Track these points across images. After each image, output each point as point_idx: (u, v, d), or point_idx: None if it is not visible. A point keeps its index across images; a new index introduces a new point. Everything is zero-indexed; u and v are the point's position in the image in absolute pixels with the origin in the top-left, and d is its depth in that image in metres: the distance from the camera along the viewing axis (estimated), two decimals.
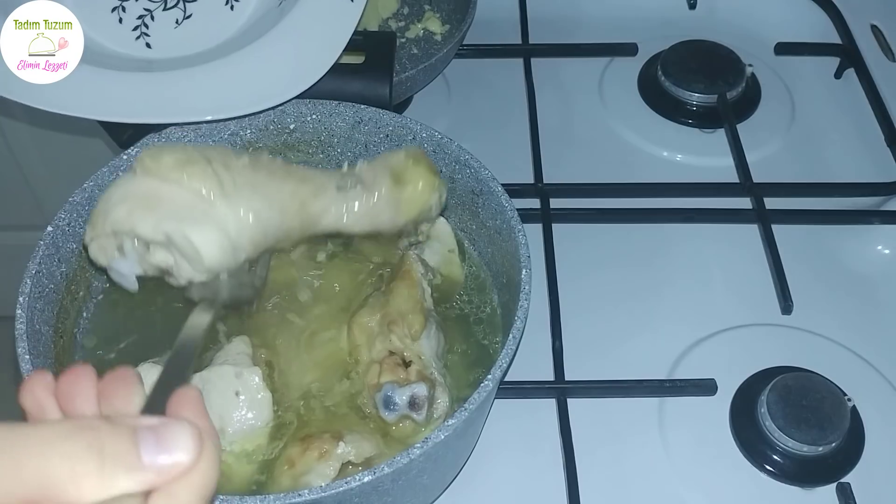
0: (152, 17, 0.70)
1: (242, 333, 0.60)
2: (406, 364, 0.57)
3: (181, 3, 0.71)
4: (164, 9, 0.71)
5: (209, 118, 0.64)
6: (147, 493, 0.31)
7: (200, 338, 0.46)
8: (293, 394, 0.59)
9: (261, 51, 0.66)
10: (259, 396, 0.56)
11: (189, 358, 0.43)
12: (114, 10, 0.71)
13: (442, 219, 0.66)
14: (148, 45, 0.69)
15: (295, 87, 0.64)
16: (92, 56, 0.65)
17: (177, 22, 0.70)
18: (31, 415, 0.34)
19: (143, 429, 0.31)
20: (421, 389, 0.56)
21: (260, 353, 0.59)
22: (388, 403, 0.56)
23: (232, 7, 0.71)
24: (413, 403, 0.56)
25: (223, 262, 0.51)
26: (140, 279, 0.54)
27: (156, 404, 0.35)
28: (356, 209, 0.56)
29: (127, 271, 0.53)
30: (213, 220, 0.51)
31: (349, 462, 0.54)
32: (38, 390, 0.34)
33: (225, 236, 0.51)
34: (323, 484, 0.50)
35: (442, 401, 0.57)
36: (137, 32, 0.70)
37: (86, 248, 0.55)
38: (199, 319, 0.47)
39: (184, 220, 0.51)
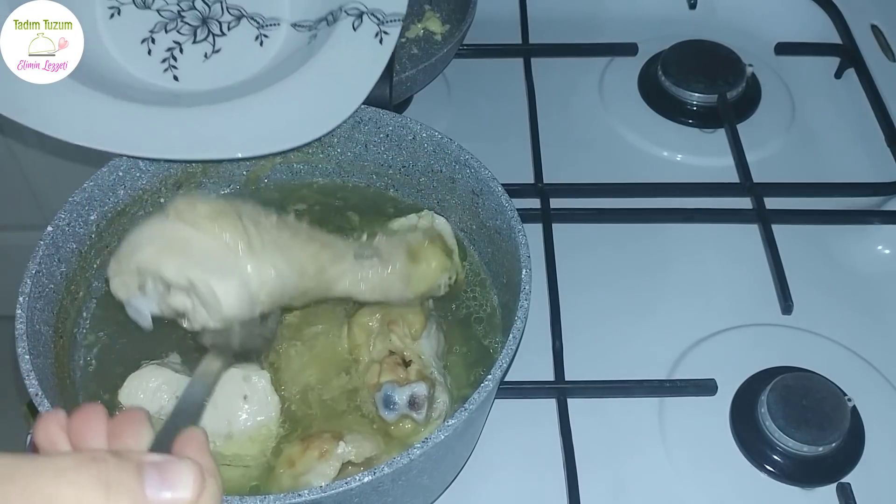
0: (181, 50, 0.69)
1: None
2: (406, 364, 0.57)
3: (210, 36, 0.70)
4: (194, 42, 0.70)
5: (237, 156, 0.64)
6: None
7: (211, 385, 0.48)
8: (296, 394, 0.59)
9: (288, 90, 0.65)
10: (267, 400, 0.56)
11: (199, 402, 0.45)
12: (143, 41, 0.70)
13: (442, 219, 0.66)
14: (175, 78, 0.69)
15: (320, 128, 0.64)
16: (119, 87, 0.65)
17: (205, 56, 0.70)
18: (44, 451, 0.35)
19: (148, 465, 0.33)
20: (421, 389, 0.56)
21: (266, 354, 0.59)
22: (388, 403, 0.56)
23: (261, 43, 0.70)
24: (413, 403, 0.56)
25: (241, 313, 0.53)
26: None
27: (163, 443, 0.36)
28: (370, 278, 0.58)
29: (144, 309, 0.54)
30: (238, 272, 0.52)
31: (349, 462, 0.54)
32: (50, 427, 0.35)
33: (246, 290, 0.52)
34: (323, 484, 0.50)
35: (442, 400, 0.57)
36: (166, 65, 0.69)
37: (107, 282, 0.57)
38: (211, 366, 0.49)
39: (209, 269, 0.52)
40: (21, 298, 0.56)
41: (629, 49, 0.94)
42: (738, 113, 0.87)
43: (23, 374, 0.52)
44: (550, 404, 0.66)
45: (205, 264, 0.52)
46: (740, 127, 0.85)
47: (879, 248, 0.78)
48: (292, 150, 0.65)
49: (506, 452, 0.65)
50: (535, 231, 0.73)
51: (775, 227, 0.76)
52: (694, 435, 0.66)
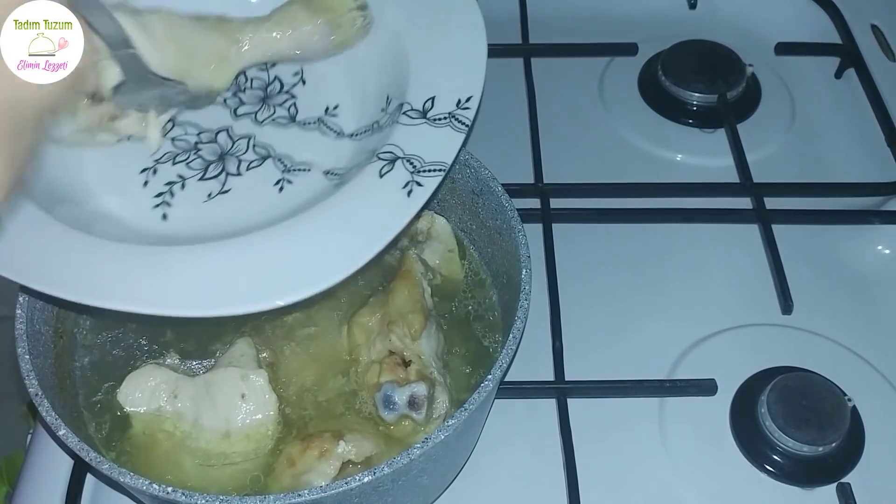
0: (183, 186, 0.59)
1: (245, 335, 0.60)
2: (406, 364, 0.57)
3: (223, 175, 0.59)
4: (201, 178, 0.59)
5: (228, 312, 0.50)
6: None
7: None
8: (294, 394, 0.59)
9: (287, 235, 0.53)
10: (265, 398, 0.56)
11: None
12: (144, 171, 0.60)
13: (442, 218, 0.66)
14: (164, 217, 0.58)
15: (326, 279, 0.51)
16: (92, 219, 0.56)
17: (209, 196, 0.59)
18: None
19: None
20: (420, 389, 0.56)
21: (263, 354, 0.59)
22: (388, 403, 0.56)
23: (281, 188, 0.59)
24: (412, 403, 0.56)
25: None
26: None
27: None
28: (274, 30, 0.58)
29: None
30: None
31: (349, 461, 0.54)
32: None
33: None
34: (323, 483, 0.50)
35: (441, 400, 0.57)
36: (159, 200, 0.58)
37: None
38: None
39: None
40: (21, 298, 0.56)
41: (629, 49, 0.94)
42: (738, 113, 0.87)
43: (23, 374, 0.53)
44: (550, 404, 0.66)
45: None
46: (740, 127, 0.85)
47: (879, 248, 0.78)
48: (270, 310, 0.51)
49: (506, 452, 0.65)
50: (535, 231, 0.73)
51: (775, 227, 0.76)
52: (694, 435, 0.66)
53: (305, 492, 0.47)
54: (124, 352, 0.61)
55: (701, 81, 0.88)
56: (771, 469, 0.63)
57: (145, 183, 0.59)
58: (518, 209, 0.60)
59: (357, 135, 0.61)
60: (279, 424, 0.57)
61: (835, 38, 0.95)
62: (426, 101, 0.57)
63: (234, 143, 0.61)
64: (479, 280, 0.65)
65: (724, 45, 0.91)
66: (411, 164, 0.54)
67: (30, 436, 0.68)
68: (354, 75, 0.64)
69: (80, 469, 0.62)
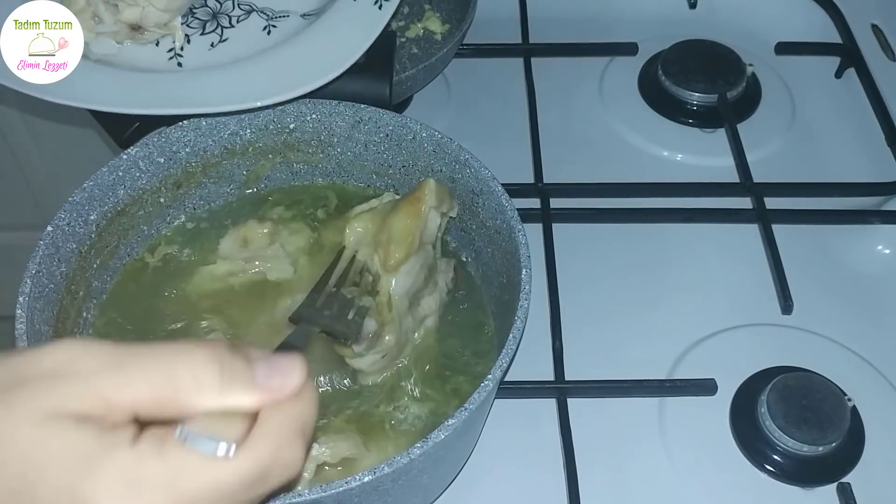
0: (188, 40, 0.71)
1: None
2: (372, 292, 0.58)
3: (219, 28, 0.72)
4: (202, 34, 0.72)
5: (230, 108, 0.64)
6: (253, 415, 0.35)
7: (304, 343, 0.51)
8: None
9: (284, 50, 0.67)
10: None
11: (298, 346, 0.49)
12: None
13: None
14: (179, 65, 0.70)
15: (315, 80, 0.65)
16: (121, 64, 0.68)
17: (211, 45, 0.71)
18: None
19: (256, 357, 0.36)
20: (370, 326, 0.57)
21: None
22: None
23: (269, 32, 0.72)
24: None
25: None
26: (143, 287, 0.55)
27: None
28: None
29: (106, 42, 0.68)
30: None
31: (325, 463, 0.54)
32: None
33: None
34: (299, 486, 0.50)
35: (389, 339, 0.58)
36: (171, 53, 0.70)
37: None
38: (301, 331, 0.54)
39: None
40: (21, 298, 0.56)
41: (629, 49, 0.94)
42: (738, 113, 0.87)
43: None
44: (550, 404, 0.66)
45: None
46: (740, 127, 0.85)
47: (879, 248, 0.78)
48: (284, 102, 0.65)
49: (506, 452, 0.65)
50: (535, 231, 0.73)
51: (775, 227, 0.76)
52: (694, 435, 0.66)
53: (305, 492, 0.47)
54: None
55: (701, 81, 0.88)
56: (771, 469, 0.63)
57: (157, 43, 0.71)
58: (518, 209, 0.60)
59: None
60: None
61: (835, 37, 0.95)
62: None
63: (221, 3, 0.74)
64: (478, 280, 0.65)
65: (724, 45, 0.91)
66: None
67: None
68: None
69: None
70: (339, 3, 0.70)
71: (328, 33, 0.68)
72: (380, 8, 0.69)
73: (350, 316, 0.57)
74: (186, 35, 0.71)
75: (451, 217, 0.65)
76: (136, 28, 0.69)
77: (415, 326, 0.61)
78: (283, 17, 0.73)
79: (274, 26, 0.72)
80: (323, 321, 0.56)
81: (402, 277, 0.59)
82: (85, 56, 0.64)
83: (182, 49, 0.71)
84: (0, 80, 0.61)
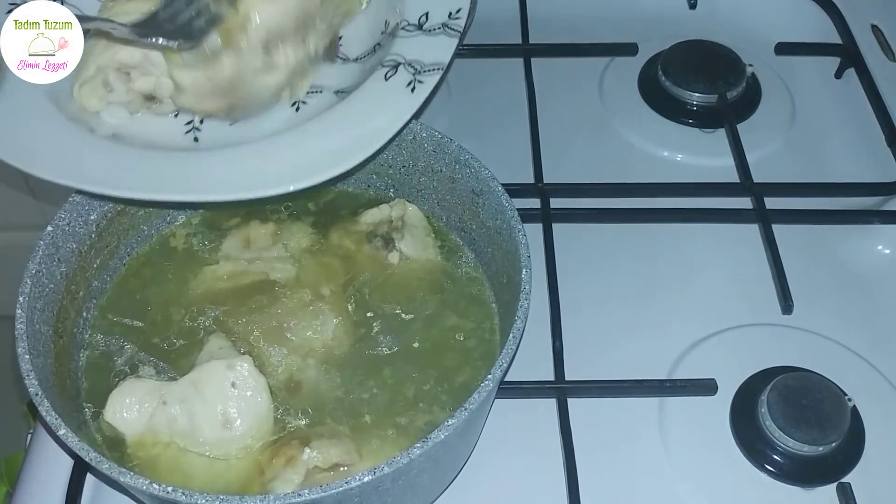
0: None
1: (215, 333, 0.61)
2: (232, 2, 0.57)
3: None
4: None
5: (250, 195, 0.57)
6: None
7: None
8: (280, 382, 0.59)
9: (307, 132, 0.61)
10: (254, 382, 0.56)
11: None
12: None
13: (413, 205, 0.67)
14: (196, 140, 0.64)
15: (342, 164, 0.57)
16: (132, 137, 0.63)
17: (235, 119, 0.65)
18: None
19: None
20: (212, 40, 0.56)
21: (239, 346, 0.59)
22: None
23: (297, 108, 0.65)
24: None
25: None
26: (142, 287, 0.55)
27: None
28: None
29: (117, 112, 0.62)
30: None
31: (316, 467, 0.54)
32: None
33: None
34: (290, 490, 0.50)
35: (226, 63, 0.57)
36: (189, 126, 0.64)
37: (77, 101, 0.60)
38: None
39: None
40: (21, 298, 0.56)
41: (629, 49, 0.94)
42: (738, 113, 0.87)
43: (23, 374, 0.52)
44: (550, 404, 0.66)
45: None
46: (740, 127, 0.85)
47: (879, 248, 0.78)
48: (308, 189, 0.58)
49: (506, 452, 0.65)
50: (535, 231, 0.73)
51: (775, 227, 0.76)
52: (694, 435, 0.66)
53: (305, 491, 0.47)
54: (125, 351, 0.61)
55: (701, 81, 0.88)
56: (771, 469, 0.63)
57: (176, 113, 0.65)
58: (518, 209, 0.60)
59: (361, 58, 0.67)
60: (272, 405, 0.57)
61: (835, 38, 0.95)
62: (421, 17, 0.64)
63: None
64: (478, 280, 0.65)
65: (724, 45, 0.91)
66: (412, 67, 0.62)
67: (30, 436, 0.68)
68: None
69: (80, 469, 0.62)
70: (370, 83, 0.62)
71: (354, 117, 0.61)
72: (412, 91, 0.60)
73: (196, 21, 0.54)
74: None
75: (360, 7, 0.64)
76: (150, 98, 0.63)
77: (261, 72, 0.59)
78: (316, 92, 0.66)
79: (304, 102, 0.65)
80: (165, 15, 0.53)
81: (270, 4, 0.56)
82: (93, 129, 0.61)
83: (202, 122, 0.64)
84: (4, 156, 0.58)
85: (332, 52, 0.64)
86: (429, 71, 0.61)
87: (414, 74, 0.61)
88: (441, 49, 0.61)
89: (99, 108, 0.62)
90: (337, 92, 0.65)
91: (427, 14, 0.63)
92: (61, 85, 0.61)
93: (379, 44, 0.66)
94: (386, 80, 0.61)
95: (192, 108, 0.61)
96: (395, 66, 0.62)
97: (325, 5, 0.63)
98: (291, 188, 0.56)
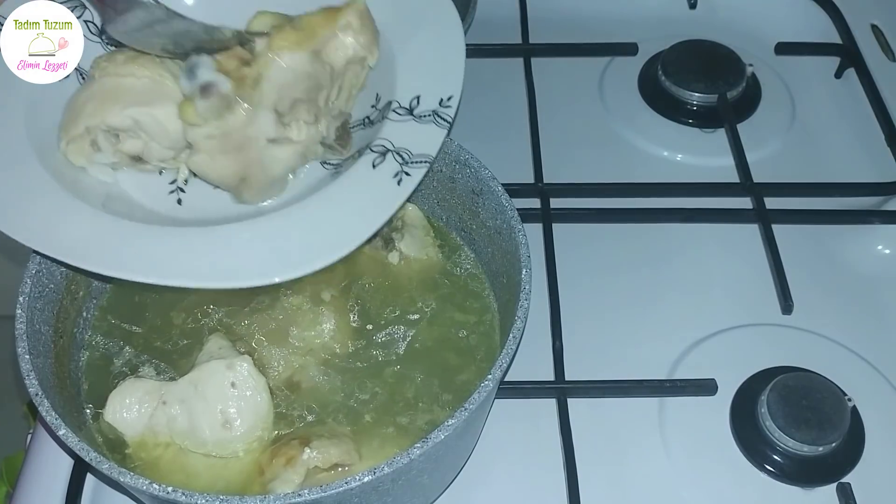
0: (196, 174, 0.63)
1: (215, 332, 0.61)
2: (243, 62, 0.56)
3: None
4: None
5: (231, 285, 0.55)
6: None
7: None
8: (280, 382, 0.59)
9: (290, 216, 0.58)
10: (254, 382, 0.56)
11: None
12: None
13: (412, 205, 0.66)
14: (179, 202, 0.62)
15: (321, 259, 0.55)
16: (113, 202, 0.61)
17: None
18: None
19: None
20: (223, 85, 0.55)
21: (239, 346, 0.59)
22: (191, 72, 0.56)
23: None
24: (206, 89, 0.55)
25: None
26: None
27: None
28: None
29: (104, 171, 0.61)
30: (171, 96, 0.58)
31: (316, 467, 0.54)
32: None
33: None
34: (290, 490, 0.50)
35: (238, 115, 0.55)
36: (173, 187, 0.63)
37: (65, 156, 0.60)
38: None
39: (145, 102, 0.58)
40: (21, 298, 0.56)
41: (629, 49, 0.94)
42: (738, 113, 0.87)
43: (23, 374, 0.53)
44: (550, 404, 0.66)
45: (140, 100, 0.58)
46: (740, 127, 0.85)
47: (879, 248, 0.78)
48: (288, 281, 0.56)
49: (506, 452, 0.65)
50: (535, 231, 0.73)
51: (775, 227, 0.76)
52: (694, 435, 0.66)
53: (305, 491, 0.47)
54: (122, 353, 0.61)
55: (701, 81, 0.88)
56: (771, 469, 0.63)
57: (161, 171, 0.63)
58: (518, 209, 0.60)
59: (352, 128, 0.65)
60: (272, 405, 0.57)
61: (835, 38, 0.95)
62: (412, 100, 0.62)
63: None
64: (478, 280, 0.65)
65: (724, 45, 0.91)
66: (400, 156, 0.60)
67: (30, 436, 0.68)
68: None
69: (80, 469, 0.62)
70: (358, 169, 0.60)
71: (339, 207, 0.58)
72: (399, 183, 0.58)
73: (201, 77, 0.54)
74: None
75: (369, 67, 0.63)
76: (137, 159, 0.61)
77: (274, 144, 0.58)
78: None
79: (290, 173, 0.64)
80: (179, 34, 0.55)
81: (283, 66, 0.56)
82: (78, 188, 0.59)
83: (186, 182, 0.63)
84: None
85: (344, 140, 0.63)
86: (416, 163, 0.59)
87: (402, 165, 0.59)
88: (430, 140, 0.60)
89: (84, 165, 0.61)
90: (324, 163, 0.64)
91: (418, 98, 0.62)
92: (47, 136, 0.60)
93: (368, 118, 0.64)
94: (374, 167, 0.59)
95: (205, 171, 0.59)
96: (384, 154, 0.60)
97: (336, 81, 0.62)
98: (260, 282, 0.54)
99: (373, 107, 0.65)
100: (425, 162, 0.59)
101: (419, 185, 0.59)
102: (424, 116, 0.61)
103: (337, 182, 0.60)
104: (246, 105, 0.57)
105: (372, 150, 0.60)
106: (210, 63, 0.56)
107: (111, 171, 0.62)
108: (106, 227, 0.56)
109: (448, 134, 0.61)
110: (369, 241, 0.57)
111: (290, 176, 0.62)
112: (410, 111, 0.61)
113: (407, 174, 0.59)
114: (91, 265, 0.54)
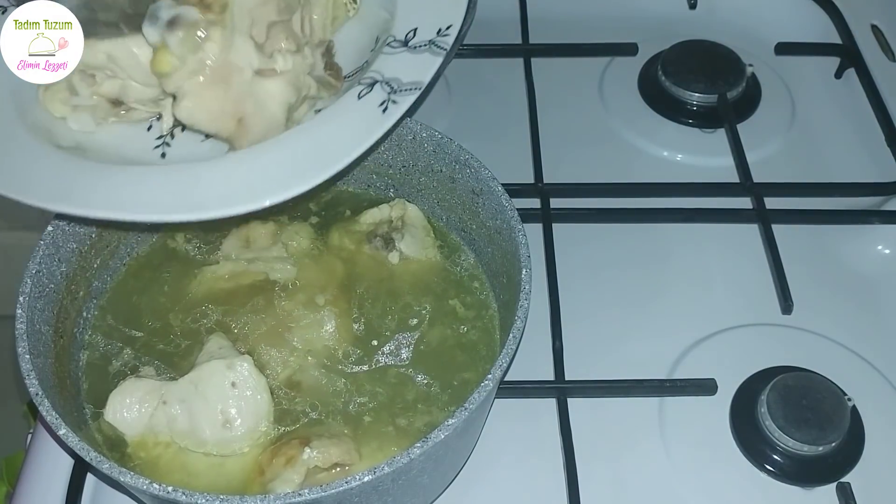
0: (183, 129, 0.62)
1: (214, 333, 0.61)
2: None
3: None
4: None
5: (215, 214, 0.54)
6: None
7: None
8: (280, 382, 0.59)
9: (273, 147, 0.57)
10: (254, 382, 0.56)
11: None
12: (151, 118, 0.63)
13: (413, 205, 0.66)
14: (163, 156, 0.61)
15: (306, 182, 0.54)
16: (87, 151, 0.60)
17: (206, 136, 0.62)
18: None
19: None
20: (190, 13, 0.52)
21: (238, 346, 0.60)
22: (153, 18, 0.53)
23: None
24: (172, 22, 0.53)
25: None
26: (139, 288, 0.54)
27: None
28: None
29: (83, 118, 0.59)
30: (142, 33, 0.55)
31: (316, 467, 0.54)
32: None
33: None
34: (290, 490, 0.50)
35: (212, 46, 0.53)
36: (160, 141, 0.62)
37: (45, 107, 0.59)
38: None
39: (117, 37, 0.57)
40: (21, 298, 0.56)
41: (629, 49, 0.94)
42: (738, 113, 0.87)
43: (23, 374, 0.53)
44: (550, 404, 0.66)
45: (112, 35, 0.57)
46: (740, 127, 0.85)
47: (879, 248, 0.78)
48: (274, 205, 0.54)
49: (506, 452, 0.65)
50: (535, 231, 0.73)
51: (775, 227, 0.76)
52: (694, 435, 0.66)
53: (305, 491, 0.47)
54: (122, 354, 0.61)
55: (701, 81, 0.88)
56: (771, 469, 0.63)
57: (149, 127, 0.62)
58: (518, 209, 0.60)
59: (350, 76, 0.64)
60: (272, 405, 0.57)
61: (835, 38, 0.95)
62: (408, 33, 0.61)
63: None
64: (478, 279, 0.65)
65: (724, 45, 0.91)
66: (389, 85, 0.58)
67: (30, 436, 0.68)
68: (347, 26, 0.67)
69: (80, 469, 0.62)
70: (342, 102, 0.59)
71: (321, 134, 0.57)
72: (384, 111, 0.57)
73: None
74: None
75: (347, 14, 0.62)
76: (117, 104, 0.60)
77: (261, 76, 0.57)
78: None
79: None
80: None
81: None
82: (57, 143, 0.58)
83: (173, 138, 0.61)
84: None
85: (335, 70, 0.62)
86: (405, 90, 0.57)
87: (389, 94, 0.57)
88: (423, 67, 0.58)
89: (64, 114, 0.59)
90: (318, 111, 0.62)
91: (415, 30, 0.60)
92: (28, 90, 0.59)
93: (367, 62, 0.63)
94: (359, 98, 0.58)
95: (197, 119, 0.57)
96: (371, 85, 0.58)
97: (308, 2, 0.61)
98: (249, 208, 0.53)
99: (371, 51, 0.63)
100: (415, 89, 0.57)
101: (407, 114, 0.57)
102: (420, 46, 0.59)
103: (319, 115, 0.58)
104: (219, 28, 0.54)
105: (360, 83, 0.58)
106: (170, 2, 0.54)
107: (91, 122, 0.60)
108: (83, 169, 0.55)
109: (445, 62, 0.58)
110: (351, 168, 0.56)
111: (285, 118, 0.60)
112: (405, 43, 0.60)
113: (394, 102, 0.57)
114: (60, 206, 0.53)
